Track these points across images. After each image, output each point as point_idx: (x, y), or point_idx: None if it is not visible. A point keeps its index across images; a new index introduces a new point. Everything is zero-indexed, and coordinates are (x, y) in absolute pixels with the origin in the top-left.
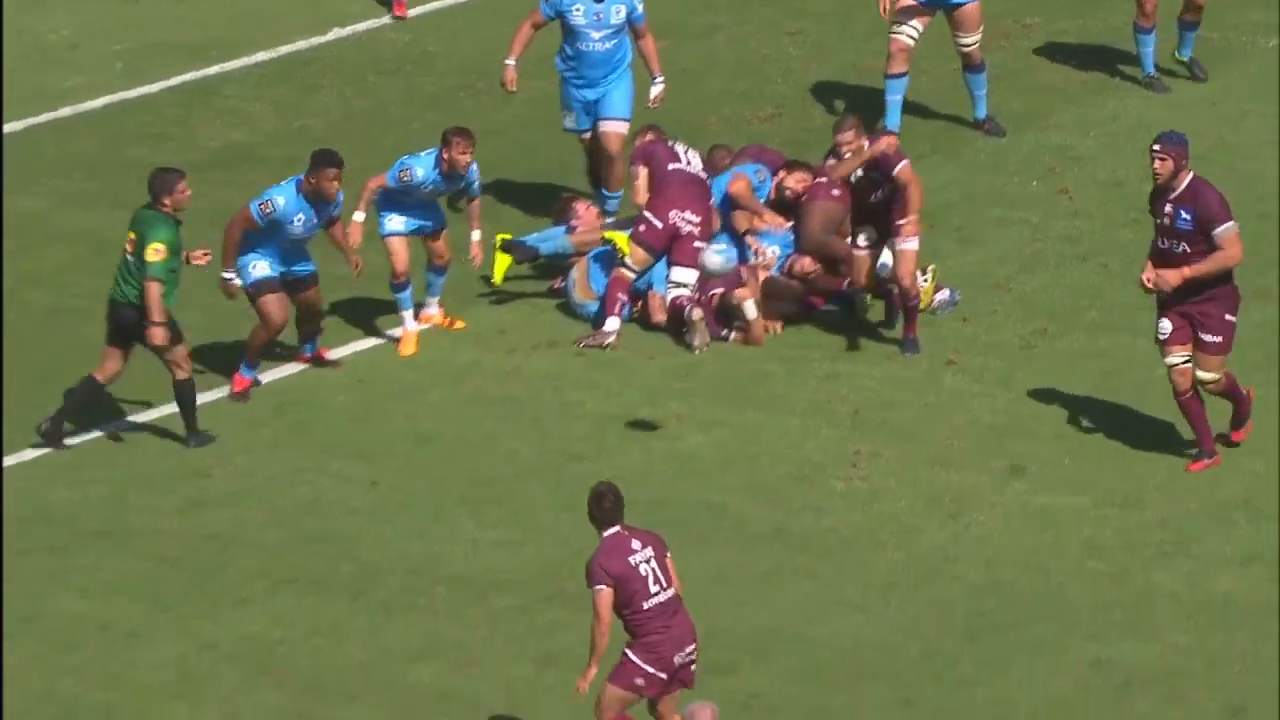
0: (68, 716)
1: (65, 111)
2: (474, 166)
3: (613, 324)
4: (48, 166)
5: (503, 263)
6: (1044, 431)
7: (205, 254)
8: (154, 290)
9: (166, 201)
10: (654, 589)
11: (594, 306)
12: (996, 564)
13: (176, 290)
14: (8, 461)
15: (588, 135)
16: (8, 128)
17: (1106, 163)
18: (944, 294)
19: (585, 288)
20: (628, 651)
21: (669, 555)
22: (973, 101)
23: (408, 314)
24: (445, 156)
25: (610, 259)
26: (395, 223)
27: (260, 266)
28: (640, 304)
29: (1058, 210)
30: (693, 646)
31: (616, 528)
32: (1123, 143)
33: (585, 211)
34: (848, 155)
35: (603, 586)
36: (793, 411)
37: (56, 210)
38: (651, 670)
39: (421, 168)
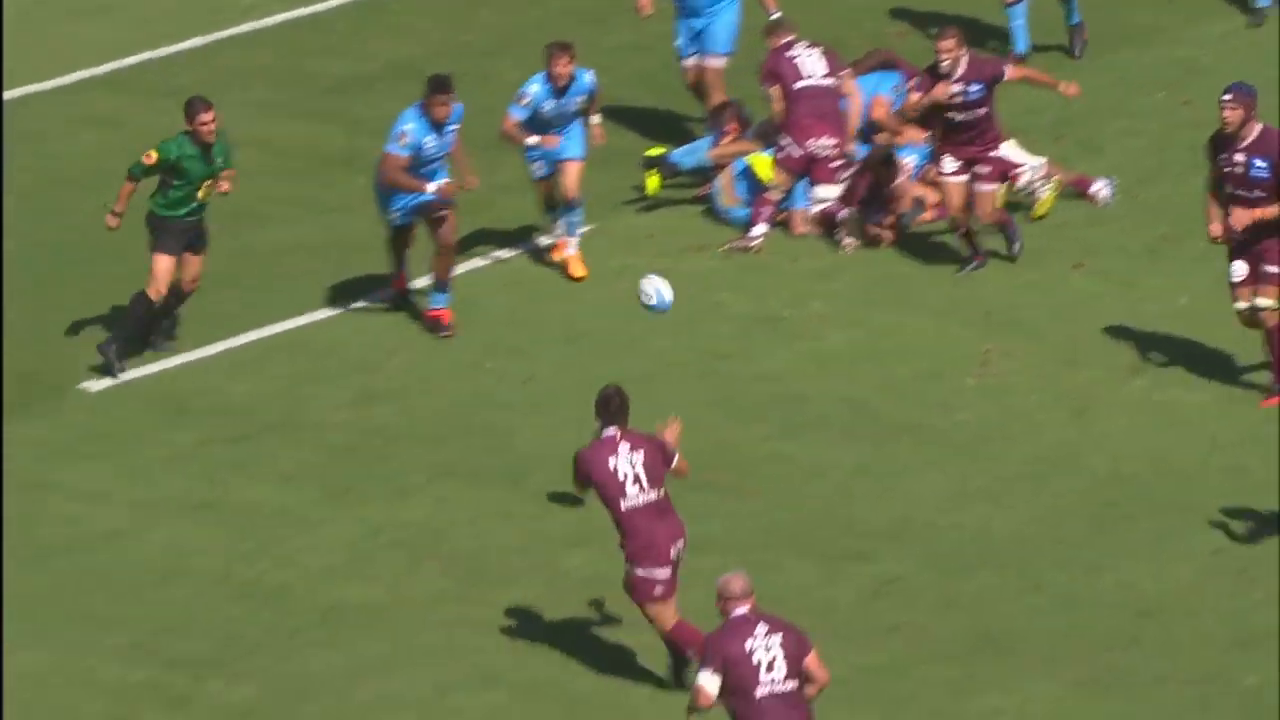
0: (245, 596)
1: (246, 27)
2: (587, 75)
3: (759, 229)
4: (228, 79)
5: (654, 177)
6: (1166, 331)
7: (225, 183)
8: (126, 186)
9: (189, 127)
10: (632, 490)
11: (739, 211)
12: (1121, 458)
13: (182, 210)
14: (198, 355)
15: (688, 62)
16: (189, 44)
17: (1227, 76)
18: (1103, 188)
19: (730, 194)
20: (631, 569)
21: (672, 461)
22: (1066, 14)
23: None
24: (548, 72)
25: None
26: (538, 167)
27: (396, 215)
28: (784, 216)
29: (1180, 121)
30: (682, 541)
31: (613, 430)
32: (1243, 58)
33: (731, 122)
34: (946, 63)
35: (579, 487)
36: (927, 312)
37: (237, 120)
38: (659, 571)
39: (536, 84)
